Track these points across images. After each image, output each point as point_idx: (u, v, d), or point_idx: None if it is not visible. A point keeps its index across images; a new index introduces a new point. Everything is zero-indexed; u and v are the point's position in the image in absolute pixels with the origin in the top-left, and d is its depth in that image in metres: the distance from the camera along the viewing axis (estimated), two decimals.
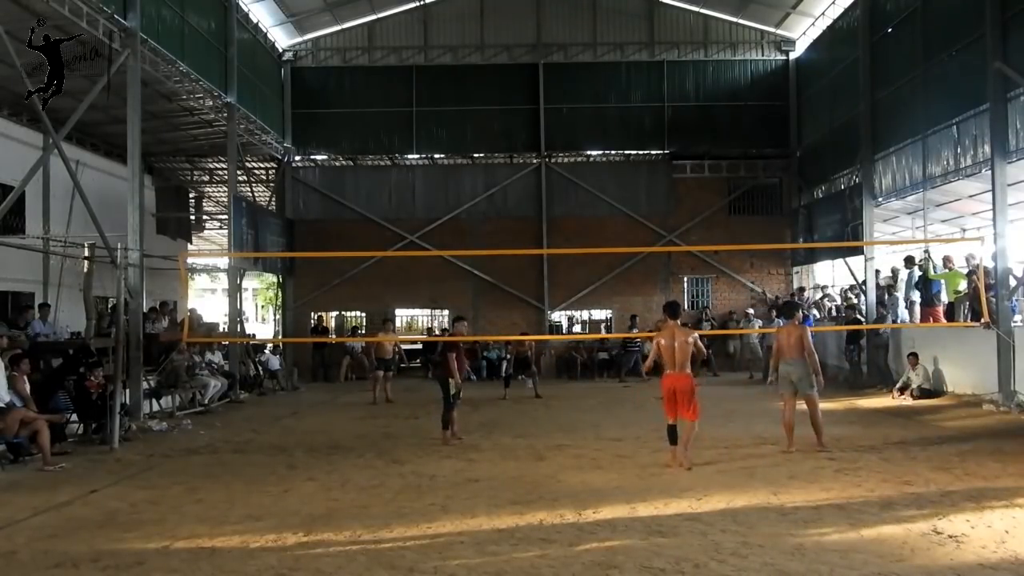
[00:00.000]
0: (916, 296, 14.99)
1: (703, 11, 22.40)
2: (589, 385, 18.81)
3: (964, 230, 18.25)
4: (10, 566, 5.42)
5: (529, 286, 22.09)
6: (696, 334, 8.66)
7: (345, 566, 5.23)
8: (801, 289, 20.99)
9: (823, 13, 20.19)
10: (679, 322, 8.61)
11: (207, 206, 25.43)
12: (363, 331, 21.62)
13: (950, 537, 5.55)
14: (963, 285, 13.71)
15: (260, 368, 18.00)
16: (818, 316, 19.27)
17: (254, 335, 25.07)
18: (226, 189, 20.02)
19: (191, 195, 23.40)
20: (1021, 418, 11.12)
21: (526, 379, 16.46)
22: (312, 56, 22.89)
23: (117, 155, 17.42)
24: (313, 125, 22.61)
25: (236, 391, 15.73)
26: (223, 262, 22.06)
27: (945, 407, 12.70)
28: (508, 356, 17.32)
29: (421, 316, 23.69)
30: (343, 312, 22.93)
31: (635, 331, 19.62)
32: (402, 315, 23.34)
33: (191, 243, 23.40)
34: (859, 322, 16.36)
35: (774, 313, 18.16)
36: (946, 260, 14.55)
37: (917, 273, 14.98)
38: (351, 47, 22.85)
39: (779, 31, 22.28)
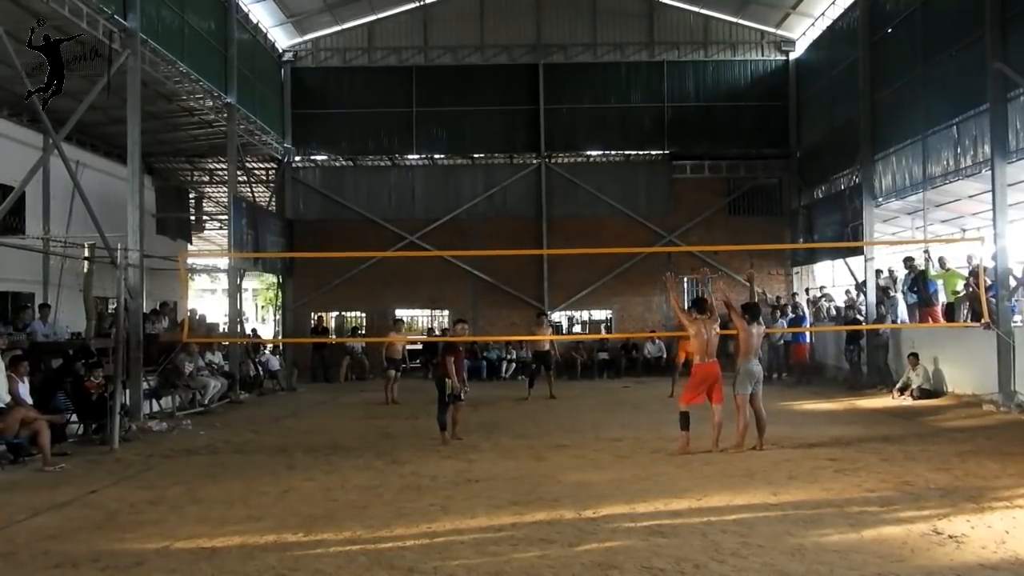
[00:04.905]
0: (911, 297, 14.97)
1: (703, 11, 22.39)
2: (589, 385, 18.80)
3: (964, 230, 18.23)
4: (10, 566, 5.41)
5: (529, 286, 22.09)
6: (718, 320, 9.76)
7: (345, 566, 5.23)
8: (806, 290, 21.02)
9: (823, 13, 20.19)
10: (707, 315, 9.48)
11: (207, 206, 25.45)
12: (363, 331, 21.61)
13: (950, 537, 5.54)
14: (960, 285, 13.70)
15: (260, 369, 17.99)
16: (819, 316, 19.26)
17: (254, 332, 25.05)
18: (226, 189, 20.03)
19: (191, 195, 23.41)
20: (1021, 418, 11.11)
21: (524, 378, 16.37)
22: (312, 56, 22.90)
23: (117, 155, 17.42)
24: (313, 125, 22.61)
25: (236, 391, 15.71)
26: (223, 262, 22.05)
27: (945, 407, 12.68)
28: (511, 355, 16.88)
29: (421, 316, 23.67)
30: (343, 312, 22.94)
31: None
32: (402, 315, 23.25)
33: (191, 243, 23.39)
34: (859, 322, 16.35)
35: (778, 314, 18.17)
36: (942, 260, 14.57)
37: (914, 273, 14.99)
38: (351, 47, 22.85)
39: (779, 31, 22.28)
